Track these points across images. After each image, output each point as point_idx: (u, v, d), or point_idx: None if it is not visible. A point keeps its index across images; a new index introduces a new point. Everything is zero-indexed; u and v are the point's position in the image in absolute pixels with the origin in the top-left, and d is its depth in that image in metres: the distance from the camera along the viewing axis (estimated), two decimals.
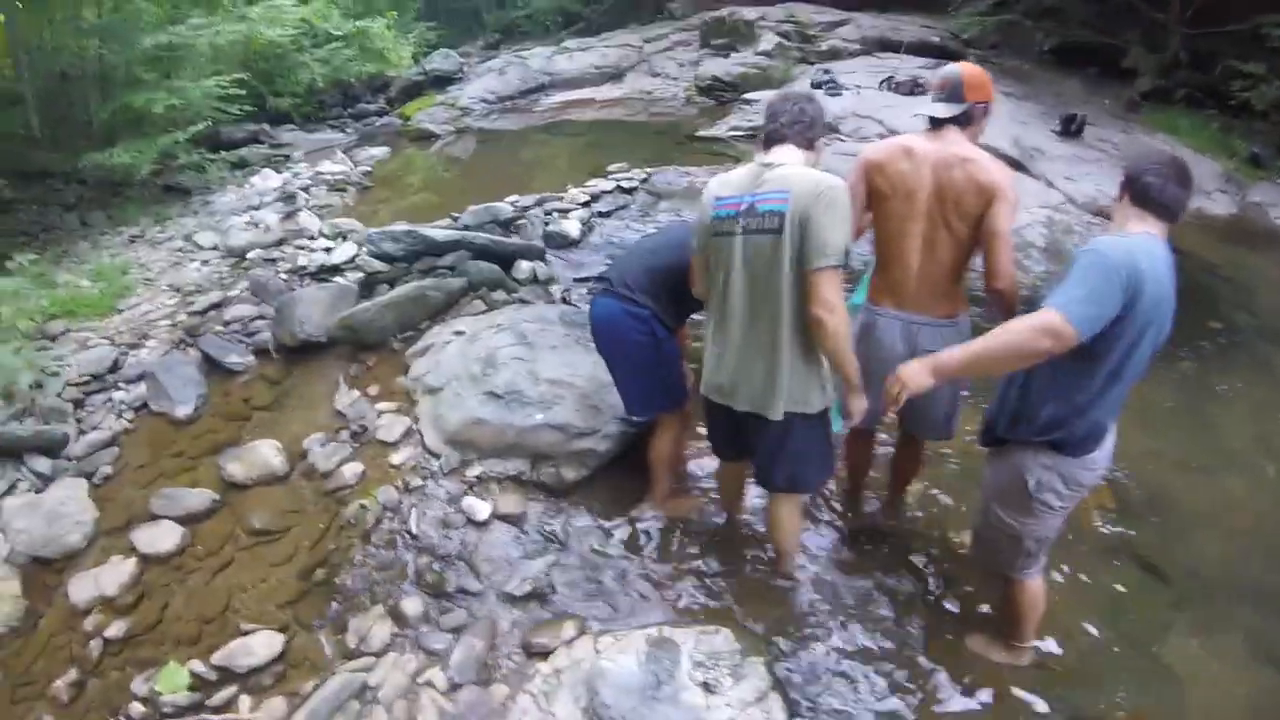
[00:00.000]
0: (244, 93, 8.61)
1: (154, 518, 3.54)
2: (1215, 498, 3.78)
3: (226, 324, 4.98)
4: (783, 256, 2.28)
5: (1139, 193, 2.10)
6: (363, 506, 3.43)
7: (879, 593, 3.04)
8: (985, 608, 2.95)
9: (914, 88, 8.81)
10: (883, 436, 3.47)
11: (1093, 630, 2.93)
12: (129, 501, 3.73)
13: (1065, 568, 3.12)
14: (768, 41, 11.37)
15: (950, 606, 2.99)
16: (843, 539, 3.29)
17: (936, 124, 2.55)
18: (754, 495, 3.28)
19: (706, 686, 2.48)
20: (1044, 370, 2.11)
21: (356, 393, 4.17)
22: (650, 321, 2.99)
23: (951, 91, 2.51)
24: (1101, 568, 3.24)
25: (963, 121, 2.52)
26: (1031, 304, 2.20)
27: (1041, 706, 2.63)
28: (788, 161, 2.37)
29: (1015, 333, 1.96)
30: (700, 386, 2.73)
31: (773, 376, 2.43)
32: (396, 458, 3.67)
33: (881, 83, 9.17)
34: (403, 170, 9.55)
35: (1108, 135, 8.88)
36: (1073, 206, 6.91)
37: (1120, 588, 3.15)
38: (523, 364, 3.67)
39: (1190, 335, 5.11)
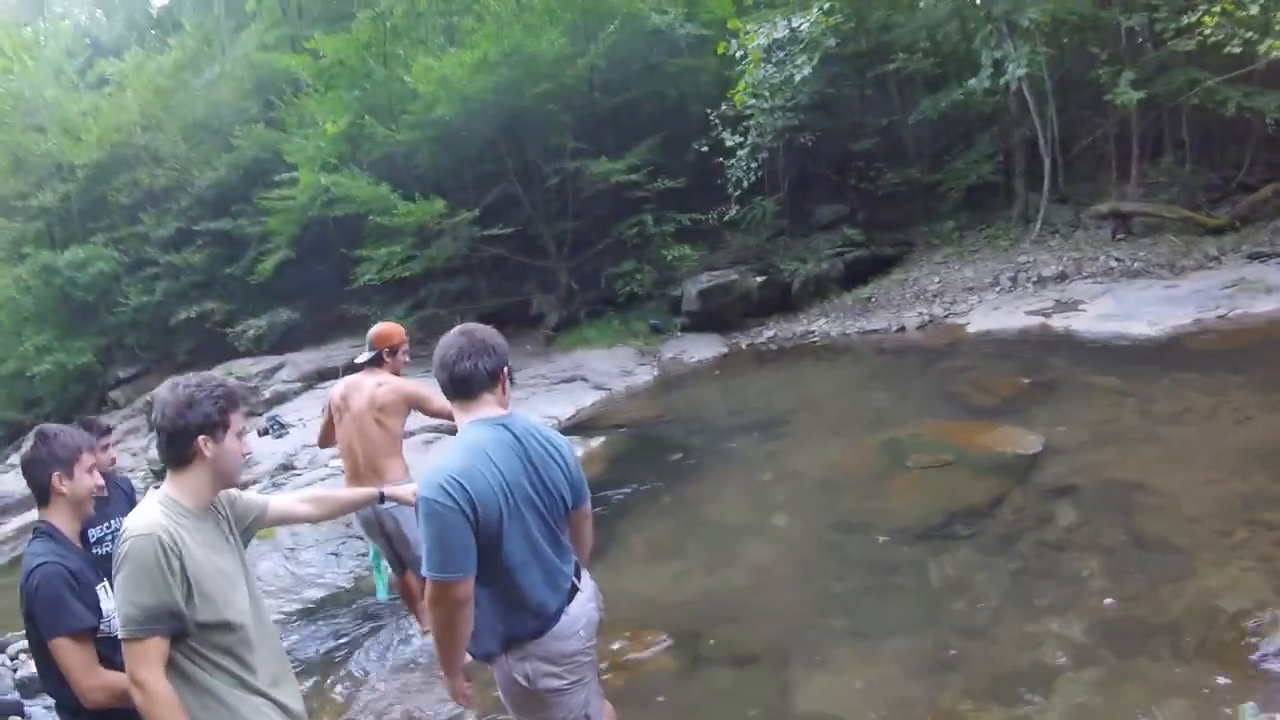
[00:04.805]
0: None
1: None
2: (749, 573, 4.38)
3: None
4: None
5: (445, 389, 2.15)
6: None
7: None
8: None
9: None
10: None
11: None
12: None
13: None
14: None
15: None
16: None
17: (364, 365, 3.88)
18: None
19: None
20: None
21: None
22: None
23: (368, 345, 3.90)
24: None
25: (377, 361, 3.86)
26: None
27: None
28: (151, 499, 1.92)
29: (432, 615, 2.03)
30: None
31: None
32: None
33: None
34: None
35: (537, 371, 10.54)
36: None
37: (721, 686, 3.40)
38: None
39: (660, 473, 6.06)
